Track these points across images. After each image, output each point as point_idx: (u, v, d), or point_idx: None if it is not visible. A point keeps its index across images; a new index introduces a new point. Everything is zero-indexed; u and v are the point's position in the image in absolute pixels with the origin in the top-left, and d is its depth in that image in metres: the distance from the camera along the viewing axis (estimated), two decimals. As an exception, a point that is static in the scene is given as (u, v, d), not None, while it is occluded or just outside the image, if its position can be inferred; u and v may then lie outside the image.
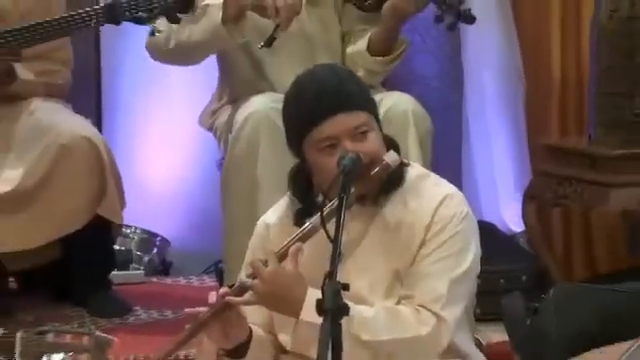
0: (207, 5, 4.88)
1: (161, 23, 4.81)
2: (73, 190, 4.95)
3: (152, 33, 4.90)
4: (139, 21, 4.78)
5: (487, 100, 5.78)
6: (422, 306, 3.66)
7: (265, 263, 3.58)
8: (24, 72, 5.03)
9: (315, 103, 3.72)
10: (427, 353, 3.69)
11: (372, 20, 4.96)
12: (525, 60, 5.80)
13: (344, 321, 3.21)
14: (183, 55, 5.03)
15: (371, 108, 3.79)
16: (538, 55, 5.82)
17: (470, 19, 4.86)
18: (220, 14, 4.83)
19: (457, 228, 3.77)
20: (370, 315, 3.61)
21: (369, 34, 4.95)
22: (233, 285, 3.73)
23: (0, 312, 4.43)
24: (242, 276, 3.74)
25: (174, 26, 4.84)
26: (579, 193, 5.34)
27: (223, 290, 3.69)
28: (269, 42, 4.82)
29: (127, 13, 4.78)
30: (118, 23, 4.84)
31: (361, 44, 4.96)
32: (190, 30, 4.90)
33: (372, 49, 4.92)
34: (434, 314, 3.66)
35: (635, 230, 5.53)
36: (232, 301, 3.62)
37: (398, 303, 3.73)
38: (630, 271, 5.22)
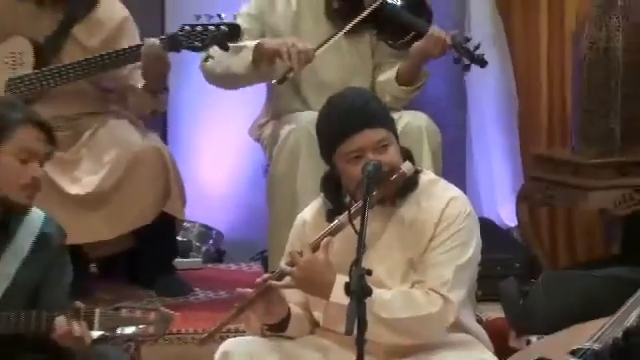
0: (244, 46, 4.86)
1: (215, 50, 4.82)
2: (143, 192, 4.97)
3: (205, 59, 4.91)
4: (195, 49, 4.83)
5: (486, 117, 5.76)
6: (432, 289, 3.69)
7: (301, 253, 3.62)
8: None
9: (344, 120, 3.75)
10: (436, 328, 3.72)
11: (400, 55, 4.96)
12: (518, 84, 5.78)
13: (367, 302, 3.23)
14: (226, 82, 5.03)
15: (391, 125, 3.82)
16: (529, 80, 5.80)
17: (482, 62, 4.90)
18: (251, 56, 4.83)
19: (461, 225, 3.79)
20: (388, 297, 3.64)
21: (397, 66, 4.93)
22: (274, 271, 3.77)
23: (83, 292, 4.39)
24: (282, 264, 3.76)
25: (223, 54, 4.83)
26: (563, 195, 5.33)
27: (266, 275, 3.72)
28: (281, 81, 4.85)
29: (185, 43, 4.79)
30: (178, 51, 4.87)
31: (390, 74, 4.95)
32: (230, 62, 4.88)
33: (399, 79, 4.92)
34: (442, 296, 3.68)
35: (609, 226, 5.51)
36: (273, 285, 3.66)
37: (412, 287, 3.75)
38: (605, 260, 5.20)
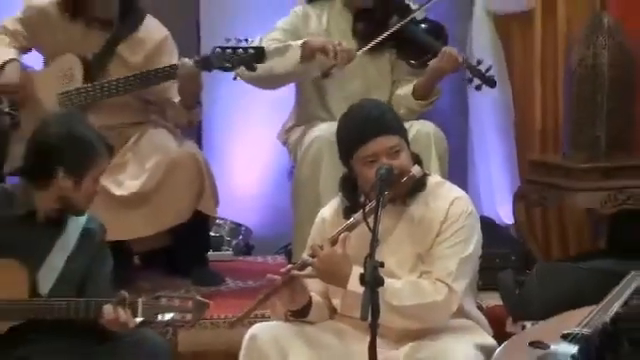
0: (289, 45, 4.87)
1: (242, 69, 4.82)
2: (180, 193, 4.97)
3: (234, 78, 4.92)
4: (225, 69, 4.85)
5: (486, 127, 5.76)
6: (438, 279, 3.73)
7: (322, 247, 3.64)
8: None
9: (362, 128, 3.79)
10: (441, 314, 3.75)
11: (416, 73, 4.96)
12: (514, 97, 5.78)
13: (380, 291, 3.26)
14: (267, 82, 5.02)
15: (403, 133, 3.85)
16: (524, 93, 5.81)
17: (492, 83, 4.92)
18: (299, 53, 4.82)
19: (464, 222, 3.82)
20: (398, 286, 3.67)
21: (414, 83, 4.94)
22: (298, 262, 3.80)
23: (126, 282, 4.40)
24: (304, 256, 3.78)
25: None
26: (555, 196, 5.32)
27: (290, 266, 3.75)
28: (325, 75, 4.87)
29: (216, 63, 4.80)
30: (210, 71, 4.88)
31: (407, 89, 4.96)
32: (273, 63, 4.87)
33: (415, 94, 4.92)
34: (447, 285, 3.72)
35: (596, 223, 5.51)
36: (296, 274, 3.71)
37: (419, 277, 3.76)
38: (592, 254, 5.19)
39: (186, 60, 4.86)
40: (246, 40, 4.82)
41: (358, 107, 3.95)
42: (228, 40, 4.83)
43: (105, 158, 3.99)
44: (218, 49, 4.82)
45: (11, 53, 4.99)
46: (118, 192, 4.89)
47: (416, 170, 3.79)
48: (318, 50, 4.83)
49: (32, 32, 5.07)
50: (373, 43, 4.91)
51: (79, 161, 3.92)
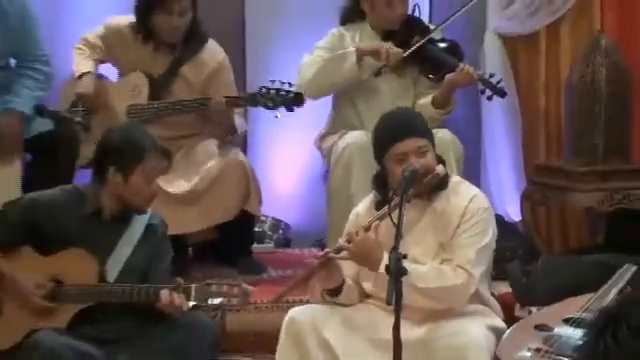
0: (342, 53, 4.89)
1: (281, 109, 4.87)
2: (228, 194, 4.99)
3: (276, 116, 4.92)
4: (267, 108, 4.87)
5: (496, 135, 5.73)
6: (458, 266, 3.76)
7: (357, 233, 3.70)
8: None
9: (395, 130, 3.86)
10: (460, 296, 3.80)
11: (435, 86, 4.96)
12: (522, 107, 5.75)
13: (407, 275, 3.33)
14: (324, 89, 5.04)
15: (430, 137, 3.90)
16: (530, 105, 5.78)
17: (503, 94, 4.92)
18: (354, 58, 4.86)
19: (481, 217, 3.87)
20: (423, 270, 3.71)
21: (433, 95, 4.94)
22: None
23: (181, 271, 4.43)
24: (340, 241, 3.82)
25: (322, 75, 4.90)
26: (558, 196, 5.31)
27: (327, 249, 3.82)
28: (377, 73, 4.90)
29: (261, 101, 4.85)
30: (255, 106, 4.95)
31: (427, 100, 4.96)
32: (332, 77, 4.94)
33: (434, 104, 4.92)
34: (466, 271, 3.76)
35: (594, 221, 5.49)
36: (332, 257, 3.75)
37: (441, 264, 3.78)
38: (591, 248, 5.18)
39: (217, 98, 4.89)
40: (289, 84, 4.84)
41: (392, 113, 4.03)
42: (273, 82, 4.85)
43: (153, 158, 3.98)
44: (263, 89, 4.85)
45: (88, 65, 5.02)
46: (172, 189, 4.89)
47: (440, 169, 3.85)
48: (370, 53, 4.88)
49: (108, 48, 5.09)
50: (413, 48, 4.92)
51: (125, 159, 3.95)
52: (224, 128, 5.03)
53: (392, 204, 3.59)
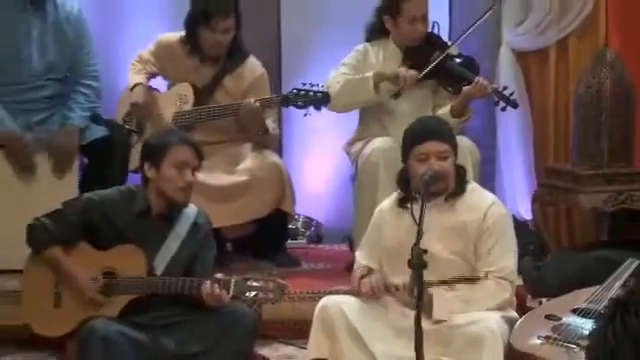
0: (361, 77, 4.89)
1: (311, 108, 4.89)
2: (262, 194, 4.99)
3: (305, 115, 4.94)
4: (298, 107, 4.89)
5: (510, 141, 5.71)
6: (502, 278, 3.81)
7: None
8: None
9: (421, 131, 3.90)
10: (507, 304, 3.88)
11: (453, 97, 4.94)
12: (533, 116, 5.72)
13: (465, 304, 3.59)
14: (347, 106, 5.04)
15: (453, 144, 3.94)
16: (541, 114, 5.74)
17: (515, 105, 4.91)
18: (372, 83, 4.86)
19: (506, 224, 3.96)
20: (478, 295, 3.80)
21: (450, 104, 4.91)
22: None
23: (220, 265, 4.44)
24: (358, 256, 3.98)
25: (346, 90, 4.89)
26: (566, 197, 5.28)
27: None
28: (396, 96, 4.88)
29: (292, 101, 4.87)
30: (287, 107, 5.00)
31: (445, 109, 4.92)
32: (352, 96, 4.93)
33: (452, 113, 4.89)
34: (510, 282, 3.83)
35: (599, 219, 5.47)
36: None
37: (482, 274, 3.83)
38: (596, 244, 5.15)
39: (249, 100, 4.90)
40: (317, 85, 4.87)
41: (423, 118, 4.14)
42: (304, 84, 4.88)
43: (178, 150, 3.98)
44: (294, 90, 4.88)
45: (140, 78, 5.05)
46: (213, 182, 4.89)
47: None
48: (388, 78, 4.87)
49: (159, 61, 5.11)
50: (430, 67, 4.90)
51: (153, 152, 3.99)
52: (256, 128, 5.02)
53: (414, 211, 3.59)
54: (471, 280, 3.76)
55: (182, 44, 5.06)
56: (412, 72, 4.86)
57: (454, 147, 3.92)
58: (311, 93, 4.83)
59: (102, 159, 4.82)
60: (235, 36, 5.00)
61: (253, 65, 5.11)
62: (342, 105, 4.99)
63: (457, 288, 3.84)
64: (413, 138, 3.90)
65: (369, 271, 3.96)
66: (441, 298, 3.73)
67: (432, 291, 3.69)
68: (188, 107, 5.01)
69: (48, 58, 4.77)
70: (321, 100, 4.82)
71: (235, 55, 5.06)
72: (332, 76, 5.00)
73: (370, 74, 4.88)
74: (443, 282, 3.75)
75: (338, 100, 4.92)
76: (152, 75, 5.12)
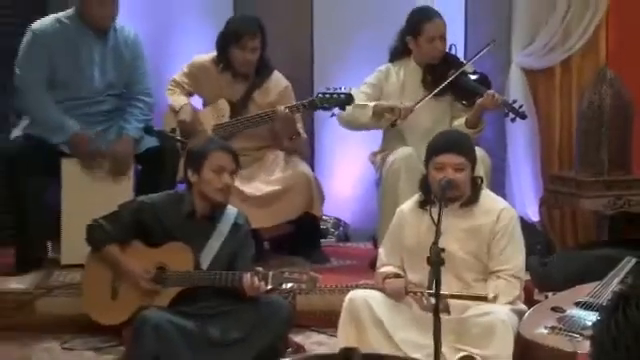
0: (366, 105, 4.89)
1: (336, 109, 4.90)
2: (294, 199, 5.00)
3: (331, 115, 4.96)
4: (324, 109, 4.90)
5: (519, 150, 5.69)
6: (512, 276, 3.81)
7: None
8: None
9: (441, 144, 3.90)
10: (518, 299, 3.88)
11: (467, 110, 4.93)
12: (540, 128, 5.68)
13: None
14: (352, 126, 5.05)
15: (471, 157, 3.92)
16: (547, 126, 5.71)
17: (524, 117, 4.90)
18: (370, 113, 4.86)
19: (515, 227, 3.95)
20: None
21: (465, 117, 4.90)
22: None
23: (259, 261, 4.43)
24: (381, 253, 3.99)
25: (354, 110, 4.88)
26: (569, 201, 5.27)
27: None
28: (393, 125, 4.88)
29: (318, 104, 4.88)
30: (314, 110, 5.01)
31: (461, 121, 4.91)
32: (357, 115, 4.92)
33: (467, 125, 4.87)
34: (519, 279, 3.83)
35: (600, 221, 5.45)
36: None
37: (493, 274, 3.85)
38: (597, 243, 5.14)
39: (281, 108, 4.92)
40: (340, 88, 4.87)
41: (445, 132, 4.14)
42: (328, 89, 4.90)
43: (215, 156, 4.01)
44: (320, 94, 4.89)
45: (184, 99, 5.09)
46: (250, 191, 4.91)
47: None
48: (386, 110, 4.86)
49: (193, 81, 5.14)
50: (435, 91, 4.90)
51: (195, 159, 4.03)
52: (288, 132, 5.03)
53: (433, 213, 3.60)
54: (480, 299, 3.74)
55: (214, 64, 5.09)
56: (407, 104, 4.86)
57: (471, 160, 3.91)
58: (335, 95, 4.83)
59: (154, 167, 4.85)
60: (261, 54, 5.04)
61: (278, 79, 5.14)
62: (345, 122, 5.00)
63: (472, 286, 3.84)
64: (434, 149, 3.90)
65: (395, 275, 3.96)
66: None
67: (448, 294, 3.70)
68: (225, 119, 5.05)
69: (108, 77, 4.82)
70: (345, 101, 4.82)
71: (262, 71, 5.09)
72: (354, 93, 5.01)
73: (372, 104, 4.88)
74: (454, 296, 3.75)
75: (342, 118, 4.96)
76: (189, 94, 5.16)
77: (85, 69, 4.76)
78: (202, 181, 4.01)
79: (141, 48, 4.92)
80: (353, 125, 5.01)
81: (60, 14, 4.79)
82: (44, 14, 4.90)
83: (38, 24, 4.76)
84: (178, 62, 5.33)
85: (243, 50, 4.97)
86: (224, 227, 4.10)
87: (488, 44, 5.05)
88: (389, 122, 4.90)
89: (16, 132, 4.83)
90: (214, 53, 5.11)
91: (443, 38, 4.98)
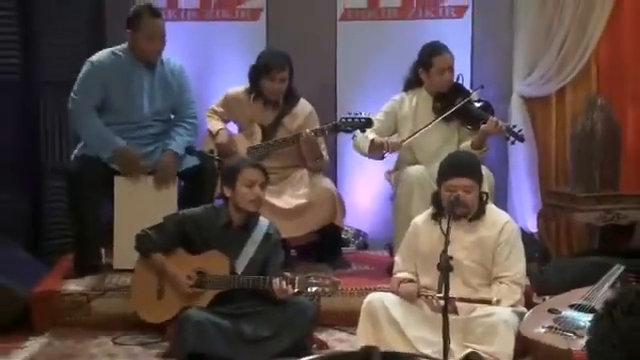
0: (366, 137, 4.86)
1: (357, 132, 4.88)
2: (319, 212, 4.96)
3: (353, 137, 4.95)
4: (346, 132, 4.89)
5: (519, 169, 5.68)
6: (513, 282, 3.77)
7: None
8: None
9: (453, 168, 3.86)
10: (519, 302, 3.84)
11: (473, 134, 4.89)
12: (538, 149, 5.66)
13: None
14: (358, 152, 5.02)
15: (478, 179, 3.89)
16: (545, 147, 5.70)
17: (522, 139, 4.85)
18: (368, 146, 4.84)
19: (517, 238, 3.92)
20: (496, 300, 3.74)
21: (471, 140, 4.84)
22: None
23: (287, 267, 4.42)
24: (397, 260, 3.97)
25: (364, 138, 4.87)
26: (564, 214, 5.26)
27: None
28: (382, 157, 4.88)
29: (341, 128, 4.87)
30: (337, 133, 5.01)
31: (467, 143, 4.84)
32: (363, 145, 4.89)
33: (473, 147, 4.81)
34: (520, 284, 3.80)
35: (592, 232, 5.42)
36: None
37: (496, 279, 3.82)
38: (589, 252, 5.11)
39: (306, 131, 4.92)
40: (361, 114, 4.86)
41: (457, 154, 4.13)
42: (350, 113, 4.88)
43: (247, 172, 4.02)
44: (342, 119, 4.88)
45: (221, 124, 5.11)
46: (280, 204, 4.88)
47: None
48: (379, 143, 4.82)
49: (228, 110, 5.15)
50: (443, 116, 4.88)
51: (228, 176, 4.03)
52: (312, 154, 5.02)
53: (443, 226, 3.56)
54: (484, 301, 3.71)
55: (247, 94, 5.10)
56: (393, 141, 4.85)
57: (479, 180, 3.89)
58: (356, 119, 4.82)
59: (195, 183, 4.84)
60: (289, 84, 5.04)
61: (304, 106, 5.13)
62: (355, 148, 4.99)
63: (478, 290, 3.81)
64: (446, 172, 3.87)
65: (409, 280, 3.94)
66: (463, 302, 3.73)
67: (456, 296, 3.66)
68: (257, 142, 5.05)
69: (155, 105, 4.83)
70: (365, 124, 4.81)
71: (290, 99, 5.09)
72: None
73: (372, 137, 4.84)
74: (461, 299, 3.71)
75: (353, 144, 4.95)
76: (225, 121, 5.17)
77: (135, 97, 4.78)
78: (237, 194, 4.01)
79: (186, 77, 4.93)
80: (359, 152, 5.00)
81: (115, 47, 4.82)
82: (103, 48, 4.92)
83: (96, 56, 4.78)
84: (217, 92, 5.34)
85: (272, 81, 4.98)
86: (257, 236, 4.10)
87: (477, 88, 5.04)
88: (382, 154, 4.88)
89: (75, 153, 4.84)
90: (246, 85, 5.11)
91: (451, 70, 4.96)
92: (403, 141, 4.86)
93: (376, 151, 4.86)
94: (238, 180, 4.00)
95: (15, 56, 5.29)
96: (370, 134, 4.87)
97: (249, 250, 4.07)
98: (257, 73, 5.03)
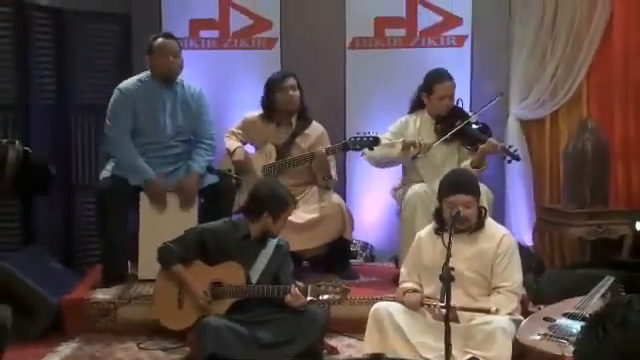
0: (394, 143, 4.85)
1: (365, 150, 4.85)
2: (329, 226, 4.95)
3: (362, 154, 4.92)
4: (355, 150, 4.86)
5: (515, 186, 5.67)
6: (510, 291, 3.72)
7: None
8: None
9: (453, 185, 3.79)
10: (516, 311, 3.78)
11: (472, 153, 4.87)
12: (533, 168, 5.67)
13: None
14: (382, 163, 4.98)
15: (477, 195, 3.84)
16: (539, 166, 5.70)
17: (518, 158, 4.81)
18: (400, 147, 4.81)
19: (514, 250, 3.86)
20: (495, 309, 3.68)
21: (471, 159, 4.82)
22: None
23: (300, 277, 4.42)
24: (402, 271, 3.90)
25: (382, 149, 4.84)
26: (558, 229, 5.24)
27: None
28: (414, 157, 4.82)
29: (351, 146, 4.85)
30: (347, 151, 5.00)
31: (467, 162, 4.82)
32: (387, 153, 4.87)
33: (472, 165, 4.79)
34: (517, 294, 3.75)
35: (584, 246, 5.39)
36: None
37: (494, 289, 3.77)
38: (581, 264, 5.08)
39: (319, 149, 4.92)
40: (369, 133, 4.85)
41: (456, 172, 4.04)
42: (358, 133, 4.88)
43: (292, 206, 4.06)
44: (352, 138, 4.87)
45: (237, 144, 5.10)
46: (295, 219, 4.82)
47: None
48: (411, 143, 4.81)
49: (245, 132, 5.15)
50: (444, 138, 4.86)
51: (278, 209, 3.99)
52: (323, 172, 5.00)
53: (447, 242, 3.53)
54: (484, 310, 3.67)
55: (262, 118, 5.12)
56: (426, 141, 4.82)
57: (477, 196, 3.85)
58: (364, 138, 4.81)
59: (214, 199, 4.83)
60: (301, 102, 5.04)
61: (316, 127, 5.14)
62: (375, 160, 4.93)
63: (477, 299, 3.77)
64: (446, 189, 3.83)
65: (413, 290, 3.90)
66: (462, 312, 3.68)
67: (457, 305, 3.62)
68: (272, 160, 5.04)
69: (177, 124, 4.83)
70: (373, 142, 4.80)
71: (302, 121, 5.10)
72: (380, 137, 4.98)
73: (400, 140, 4.84)
74: (462, 308, 3.67)
75: (373, 157, 4.90)
76: (242, 143, 5.17)
77: (159, 118, 4.79)
78: (277, 226, 4.04)
79: (205, 100, 4.94)
80: (383, 161, 4.95)
81: (140, 75, 4.85)
82: (130, 76, 4.95)
83: (124, 84, 4.81)
84: (235, 115, 5.35)
85: (283, 91, 4.99)
86: (269, 248, 4.08)
87: (496, 97, 5.00)
88: (413, 154, 4.83)
89: (105, 173, 4.84)
90: (260, 111, 5.13)
91: (451, 97, 4.96)
92: (433, 143, 4.84)
93: (407, 153, 4.82)
94: (283, 214, 4.02)
95: (51, 83, 5.35)
96: (382, 149, 4.85)
97: (262, 260, 4.05)
98: (269, 90, 5.06)
